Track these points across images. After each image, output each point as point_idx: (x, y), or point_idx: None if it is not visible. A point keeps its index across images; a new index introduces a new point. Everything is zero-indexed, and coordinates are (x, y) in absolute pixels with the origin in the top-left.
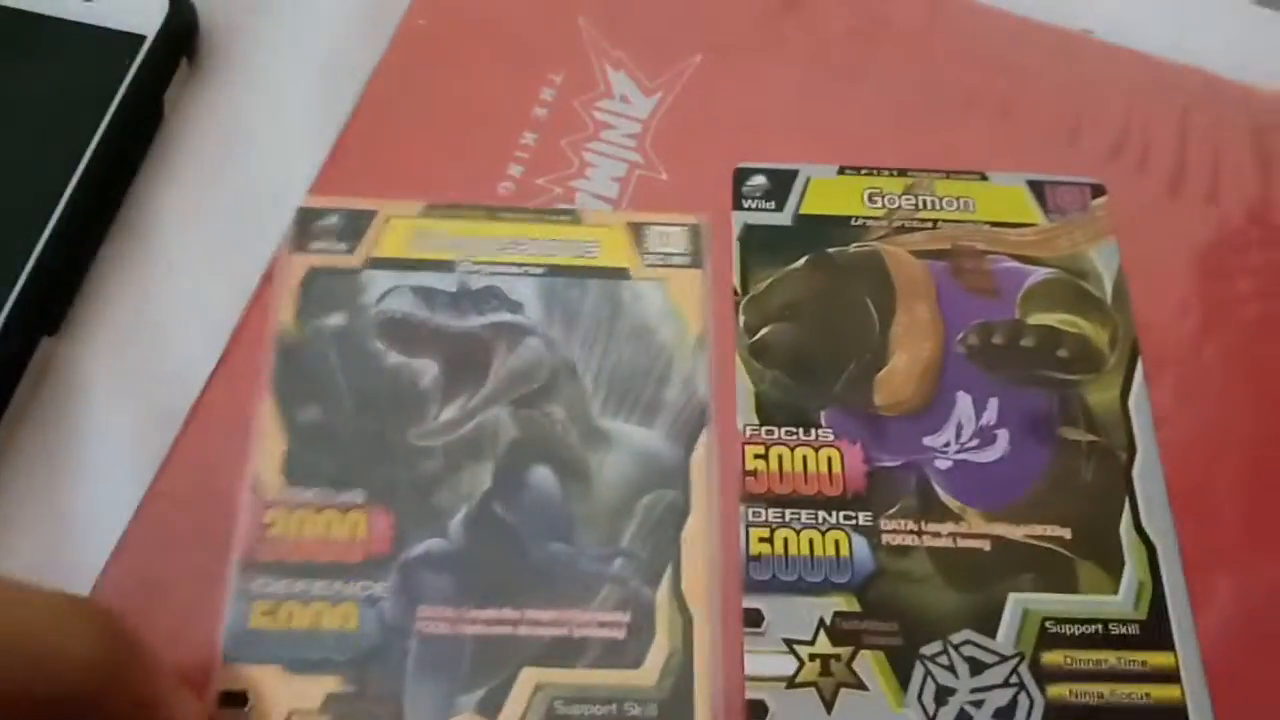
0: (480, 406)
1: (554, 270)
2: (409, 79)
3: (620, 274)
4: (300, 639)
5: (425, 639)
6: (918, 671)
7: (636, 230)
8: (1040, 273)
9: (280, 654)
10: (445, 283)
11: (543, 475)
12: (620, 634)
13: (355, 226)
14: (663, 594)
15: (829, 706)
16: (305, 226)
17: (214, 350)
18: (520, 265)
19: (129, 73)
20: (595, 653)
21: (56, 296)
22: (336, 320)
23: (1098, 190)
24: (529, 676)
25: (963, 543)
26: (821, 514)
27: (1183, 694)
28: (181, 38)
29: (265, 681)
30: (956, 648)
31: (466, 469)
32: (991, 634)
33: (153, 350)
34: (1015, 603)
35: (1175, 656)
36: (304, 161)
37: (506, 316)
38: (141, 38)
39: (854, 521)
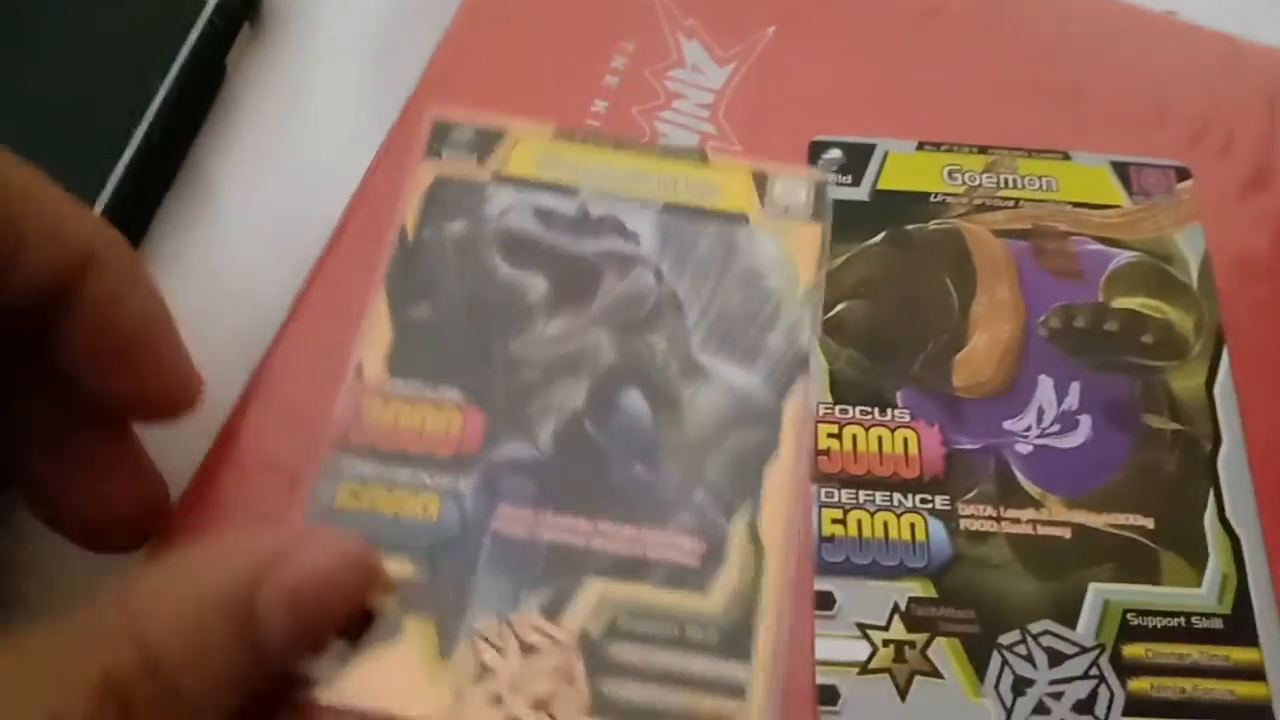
0: (583, 326)
1: (673, 207)
2: (473, 51)
3: (739, 219)
4: (381, 522)
5: (500, 537)
6: (995, 661)
7: (761, 180)
8: (1124, 256)
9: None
10: (566, 206)
11: (635, 400)
12: (691, 560)
13: (487, 142)
14: (738, 527)
15: (903, 694)
16: (440, 136)
17: (273, 314)
18: (641, 198)
19: (193, 33)
20: (663, 574)
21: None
22: (457, 228)
23: (1183, 174)
24: (595, 587)
25: (1043, 530)
26: (897, 496)
27: (1269, 692)
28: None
29: None
30: (1035, 638)
31: (562, 384)
32: (1071, 624)
33: (213, 310)
34: (1096, 593)
35: (1260, 653)
36: (365, 127)
37: (621, 245)
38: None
39: (930, 505)
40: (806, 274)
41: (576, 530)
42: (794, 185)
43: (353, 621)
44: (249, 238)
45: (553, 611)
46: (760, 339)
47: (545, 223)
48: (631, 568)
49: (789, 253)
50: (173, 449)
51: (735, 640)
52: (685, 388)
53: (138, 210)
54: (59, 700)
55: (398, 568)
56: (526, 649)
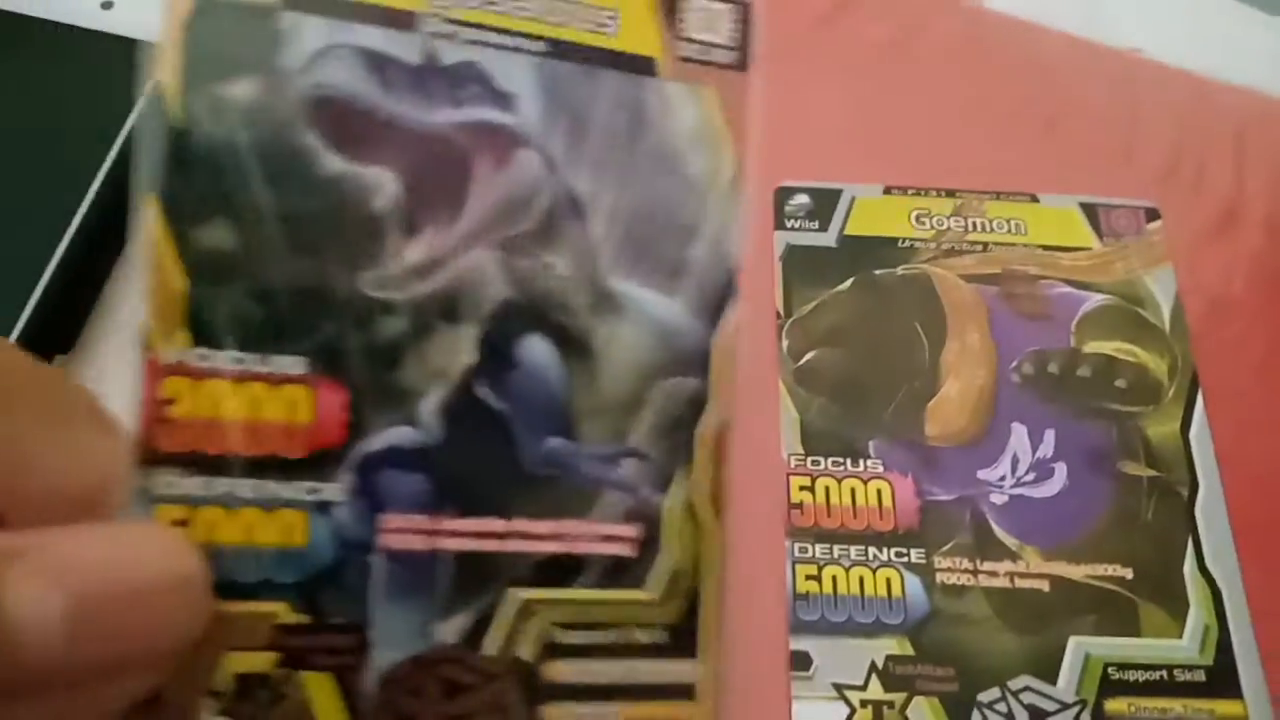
0: (458, 247)
1: (558, 48)
2: None
3: (645, 66)
4: (230, 557)
5: (392, 555)
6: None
7: (669, 5)
8: (1095, 299)
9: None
10: (405, 48)
11: (539, 349)
12: (627, 549)
13: None
14: (675, 504)
15: None
16: None
17: None
18: (513, 35)
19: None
20: (597, 571)
21: (69, 315)
22: (244, 90)
23: (1152, 214)
24: (518, 599)
25: (1020, 583)
26: (872, 550)
27: None
28: None
29: None
30: (1016, 694)
31: (440, 335)
32: (1052, 680)
33: None
34: (1076, 646)
35: (1244, 705)
36: None
37: (492, 114)
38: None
39: (906, 559)
40: (728, 151)
41: (486, 532)
42: (712, 12)
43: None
44: None
45: (473, 638)
46: (683, 252)
47: (378, 76)
48: (558, 570)
49: (710, 117)
50: None
51: (680, 635)
52: (599, 326)
53: (89, 275)
54: None
55: (267, 614)
56: (449, 688)
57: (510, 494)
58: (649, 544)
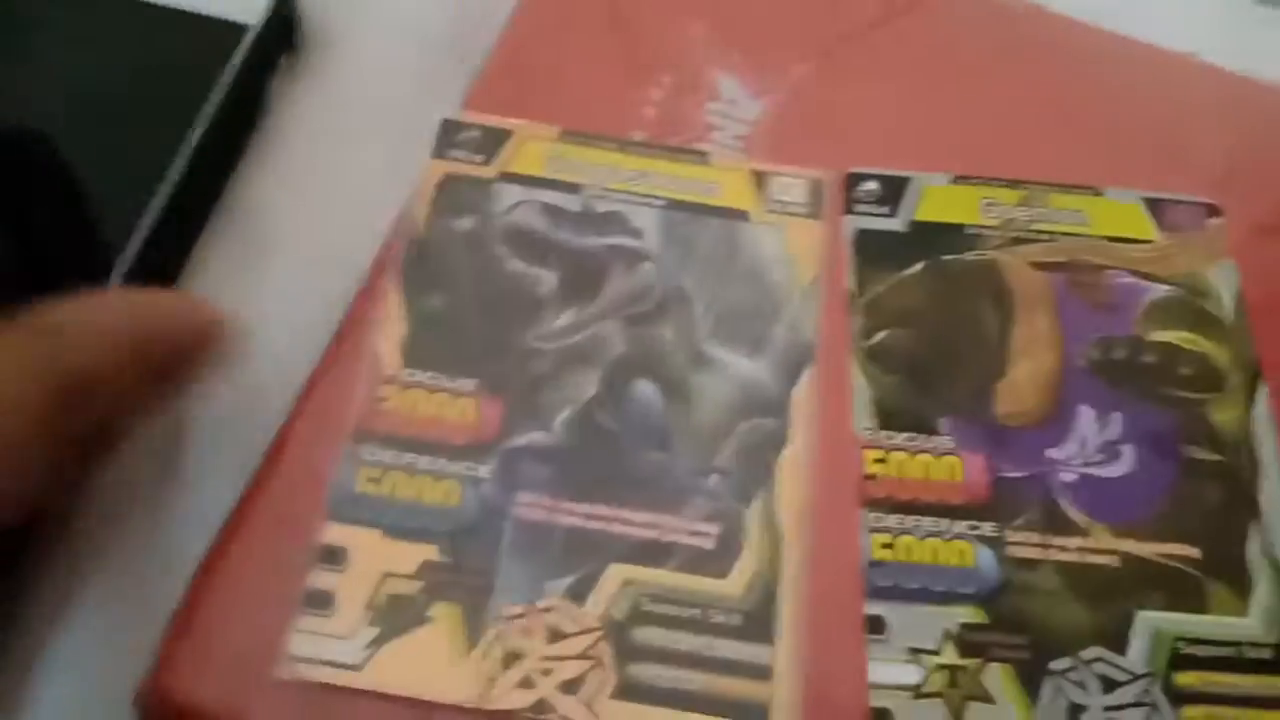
0: (593, 318)
1: (676, 204)
2: (513, 83)
3: (740, 215)
4: (402, 507)
5: (520, 523)
6: (1048, 687)
7: (760, 178)
8: (1159, 289)
9: (381, 519)
10: (571, 203)
11: (646, 389)
12: (709, 544)
13: (493, 141)
14: (755, 512)
15: (956, 718)
16: (447, 137)
17: (314, 339)
18: (644, 196)
19: (234, 62)
20: (683, 557)
21: (160, 278)
22: (466, 223)
23: (1213, 210)
24: (618, 571)
25: (1090, 558)
26: (945, 522)
27: None
28: (285, 29)
29: (364, 543)
30: (1088, 664)
31: (575, 373)
32: (1122, 652)
33: (256, 333)
34: (1145, 621)
35: None
36: (405, 154)
37: (625, 240)
38: (245, 28)
39: (979, 531)
40: (807, 268)
41: (595, 515)
42: (791, 184)
43: None
44: (291, 263)
45: (578, 596)
46: (765, 331)
47: (552, 218)
48: (651, 552)
49: (789, 248)
50: (225, 465)
51: (757, 623)
52: (694, 377)
53: (179, 238)
54: (18, 389)
55: (421, 552)
56: (554, 634)
57: (617, 489)
58: (729, 543)
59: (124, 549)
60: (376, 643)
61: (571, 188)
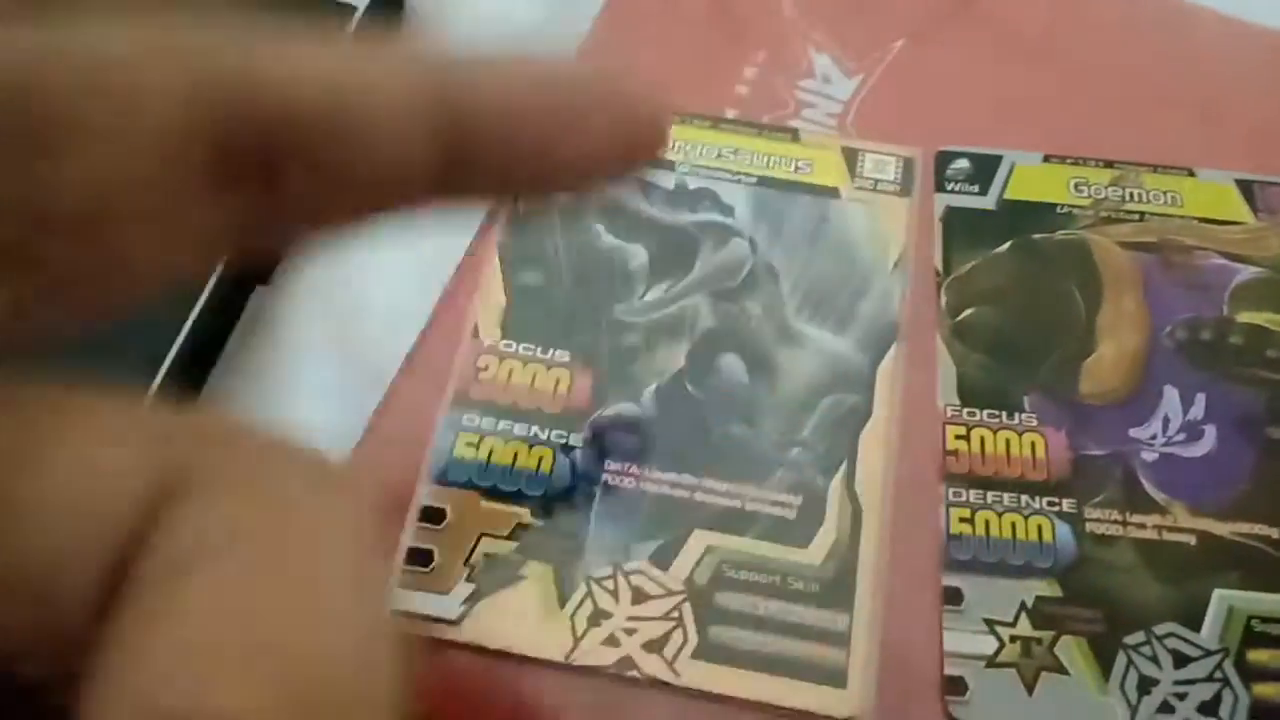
0: (682, 293)
1: (766, 181)
2: (608, 59)
3: (830, 193)
4: (498, 471)
5: (610, 489)
6: (1120, 660)
7: (851, 155)
8: (1249, 271)
9: (479, 481)
10: (664, 180)
11: (732, 363)
12: (790, 514)
13: None
14: (835, 485)
15: (1029, 688)
16: None
17: (418, 312)
18: (735, 173)
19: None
20: (764, 526)
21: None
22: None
23: None
24: (701, 538)
25: (1168, 536)
26: (1024, 498)
27: None
28: (391, 11)
29: (463, 504)
30: (1160, 639)
31: (663, 347)
32: (1196, 628)
33: (356, 305)
34: (1220, 599)
35: None
36: None
37: (716, 217)
38: (353, 8)
39: (1057, 508)
40: (896, 246)
41: (680, 484)
42: (883, 162)
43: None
44: (397, 239)
45: (662, 560)
46: (852, 307)
47: (644, 194)
48: (733, 520)
49: (879, 225)
50: (333, 429)
51: (835, 591)
52: (781, 352)
53: None
54: None
55: (515, 514)
56: (639, 595)
57: (702, 459)
58: (811, 513)
59: None
60: (472, 599)
61: (665, 164)
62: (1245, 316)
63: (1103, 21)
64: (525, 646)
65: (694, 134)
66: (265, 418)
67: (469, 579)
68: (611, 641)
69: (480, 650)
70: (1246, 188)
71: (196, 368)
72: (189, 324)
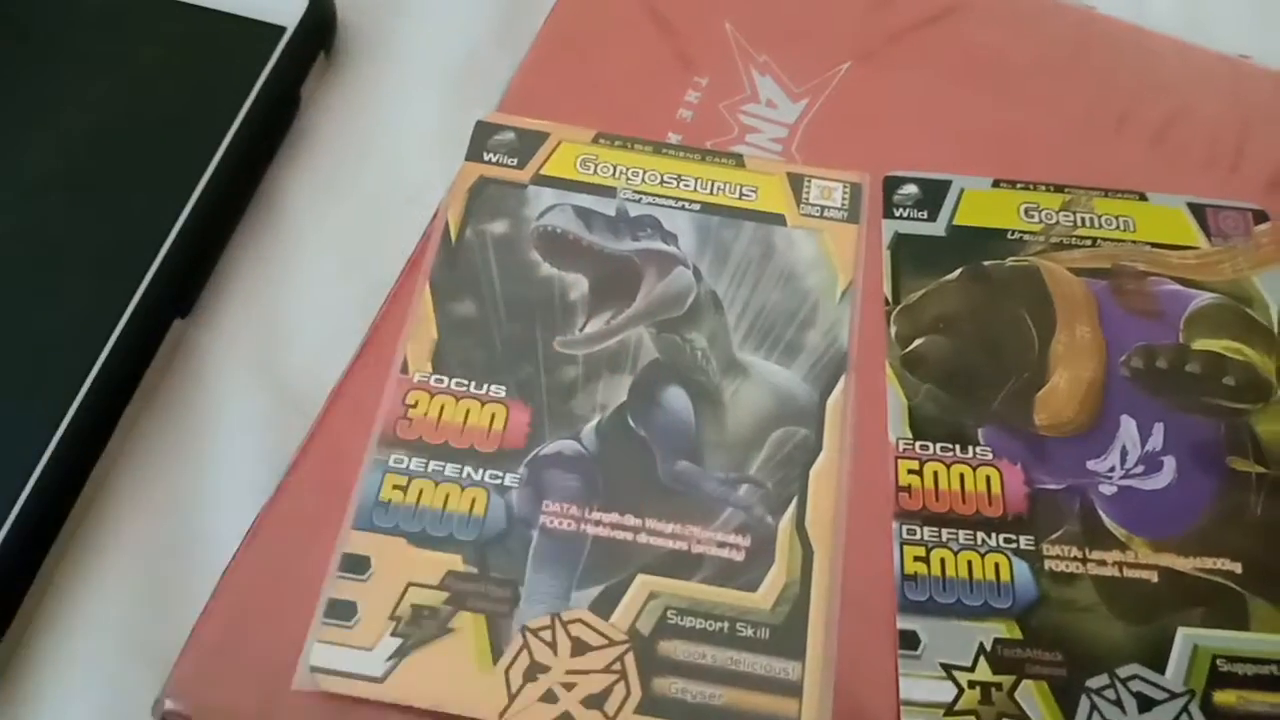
0: (624, 324)
1: (711, 208)
2: (548, 83)
3: (776, 219)
4: (428, 515)
5: (548, 532)
6: (1083, 706)
7: (797, 181)
8: (1204, 297)
9: (406, 527)
10: (605, 207)
11: (677, 396)
12: (739, 556)
13: (528, 145)
14: (785, 524)
15: None
16: (481, 139)
17: (344, 341)
18: (679, 199)
19: (269, 63)
20: (711, 569)
21: (190, 279)
22: (499, 228)
23: (1260, 216)
24: (644, 583)
25: (1129, 572)
26: (980, 535)
27: None
28: (320, 31)
29: (389, 551)
30: (1124, 682)
31: (604, 380)
32: (1160, 669)
33: (282, 337)
34: (1185, 638)
35: None
36: (436, 158)
37: (660, 245)
38: (282, 29)
39: (1015, 545)
40: (844, 274)
41: (623, 525)
42: (829, 188)
43: None
44: (323, 265)
45: (603, 608)
46: (800, 337)
47: (585, 221)
48: (679, 563)
49: (826, 253)
50: (253, 470)
51: (786, 638)
52: (727, 385)
53: (208, 242)
54: None
55: (445, 562)
56: (578, 646)
57: (645, 499)
58: (760, 555)
59: (147, 555)
60: (399, 654)
61: (606, 191)
62: (1201, 344)
63: (1052, 44)
64: (456, 705)
65: (636, 159)
66: (184, 453)
67: (395, 633)
68: (549, 697)
69: (407, 710)
70: (1199, 211)
71: (108, 406)
72: (102, 357)
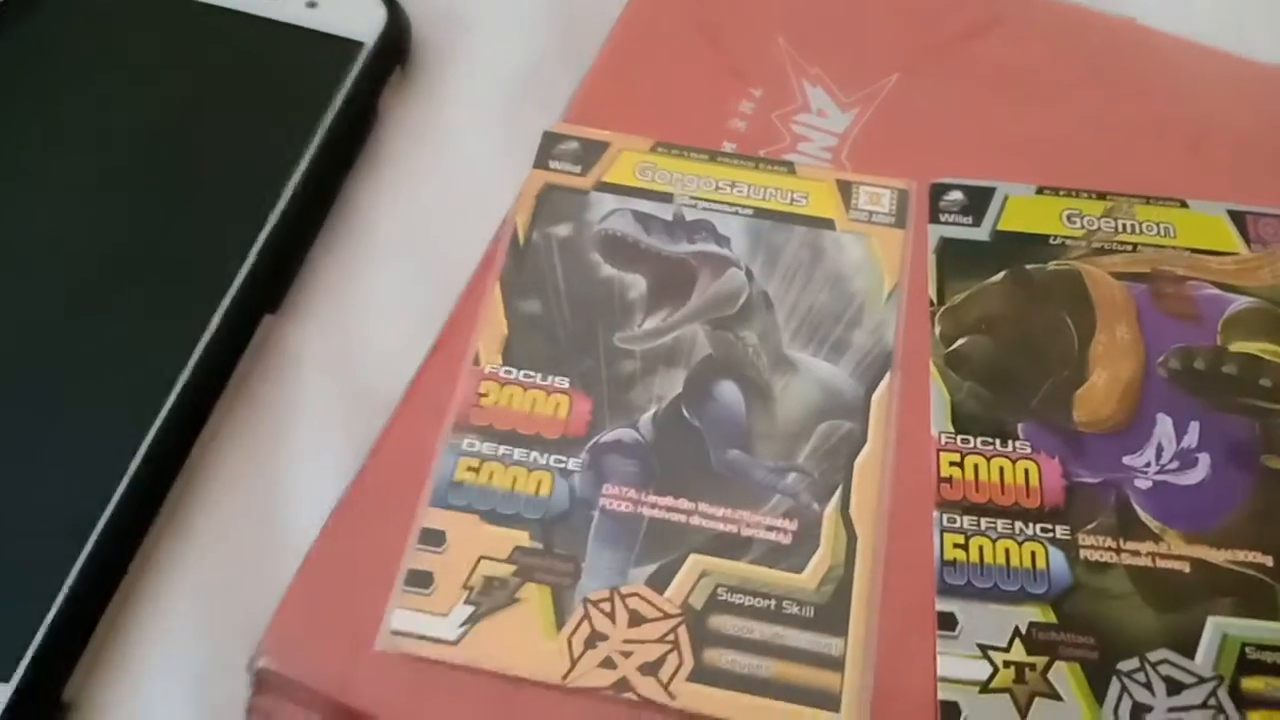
0: (680, 322)
1: (763, 213)
2: (609, 96)
3: (826, 224)
4: (497, 495)
5: (607, 513)
6: (1114, 687)
7: (846, 187)
8: (1242, 301)
9: (478, 505)
10: (663, 211)
11: (729, 389)
12: (785, 539)
13: (590, 154)
14: (830, 511)
15: (1023, 714)
16: (547, 148)
17: (420, 338)
18: (732, 205)
19: (350, 76)
20: (760, 551)
21: (278, 278)
22: (563, 231)
23: None
24: (697, 562)
25: (1162, 563)
26: (1018, 525)
27: None
28: (397, 47)
29: (462, 527)
30: (1154, 666)
31: (661, 373)
32: (1190, 655)
33: (362, 332)
34: (1214, 626)
35: None
36: (508, 165)
37: (714, 248)
38: (361, 45)
39: (1051, 535)
40: (890, 276)
41: (677, 508)
42: (877, 194)
43: None
44: (400, 269)
45: (659, 584)
46: (846, 336)
47: (643, 225)
48: (729, 545)
49: (874, 256)
50: (338, 454)
51: (830, 616)
52: (776, 379)
53: (294, 245)
54: None
55: (513, 537)
56: (635, 618)
57: (698, 484)
58: (806, 539)
59: (238, 531)
60: (471, 620)
61: (663, 197)
62: (1238, 346)
63: (1093, 55)
64: (522, 668)
65: (692, 167)
66: (273, 437)
67: (467, 601)
68: (608, 664)
69: (478, 671)
70: (1238, 218)
71: (204, 394)
72: (198, 351)
